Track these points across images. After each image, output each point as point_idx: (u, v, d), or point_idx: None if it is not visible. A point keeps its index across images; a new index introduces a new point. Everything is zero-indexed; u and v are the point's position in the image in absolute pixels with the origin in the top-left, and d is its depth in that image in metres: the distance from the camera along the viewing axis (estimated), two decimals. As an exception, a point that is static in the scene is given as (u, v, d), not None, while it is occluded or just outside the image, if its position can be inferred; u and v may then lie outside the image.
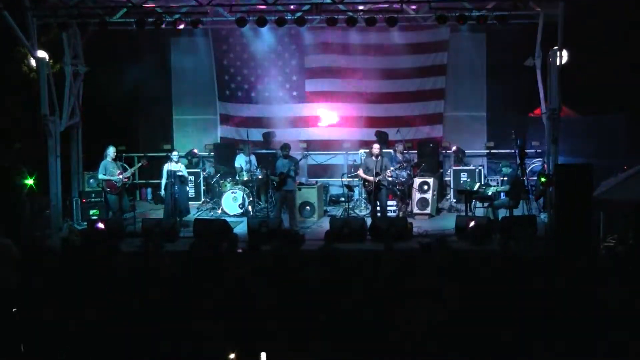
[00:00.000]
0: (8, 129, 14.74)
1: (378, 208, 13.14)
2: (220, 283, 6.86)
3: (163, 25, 13.32)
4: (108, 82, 15.07)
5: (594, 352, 5.77)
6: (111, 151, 13.42)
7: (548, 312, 6.15)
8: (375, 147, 13.08)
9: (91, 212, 14.12)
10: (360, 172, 13.30)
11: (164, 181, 13.44)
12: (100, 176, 13.36)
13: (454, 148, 15.82)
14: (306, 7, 13.25)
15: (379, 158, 12.96)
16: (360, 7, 13.23)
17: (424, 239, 10.82)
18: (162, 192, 13.64)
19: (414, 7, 13.46)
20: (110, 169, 13.31)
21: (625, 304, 6.22)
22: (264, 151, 15.96)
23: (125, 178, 13.51)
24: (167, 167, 13.42)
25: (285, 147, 13.44)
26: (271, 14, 13.23)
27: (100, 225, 12.32)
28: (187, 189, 14.35)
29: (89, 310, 6.36)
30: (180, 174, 13.40)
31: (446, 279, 6.73)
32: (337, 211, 14.95)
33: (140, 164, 13.95)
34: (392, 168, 13.32)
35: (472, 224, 11.60)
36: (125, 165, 14.47)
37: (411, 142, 15.75)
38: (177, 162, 13.49)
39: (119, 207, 13.45)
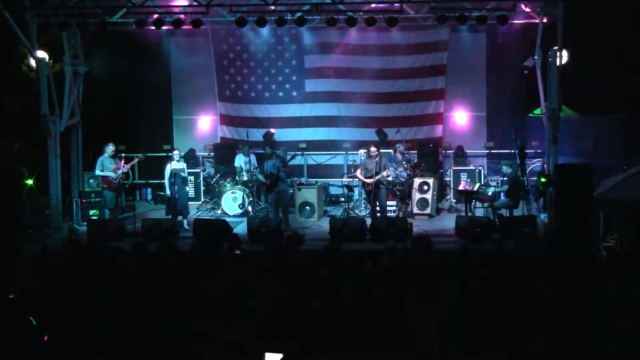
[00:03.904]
0: (8, 129, 14.73)
1: (378, 208, 13.13)
2: (220, 283, 6.85)
3: (163, 26, 13.34)
4: (108, 82, 15.07)
5: (594, 350, 5.76)
6: (109, 148, 13.42)
7: (547, 312, 6.14)
8: (373, 150, 12.93)
9: (91, 212, 14.14)
10: (358, 172, 13.18)
11: (167, 181, 13.41)
12: (97, 172, 13.35)
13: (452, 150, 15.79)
14: (306, 7, 13.27)
15: (377, 159, 12.90)
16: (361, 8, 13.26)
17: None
18: (167, 193, 13.52)
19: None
20: (107, 165, 13.30)
21: (625, 303, 6.22)
22: (263, 151, 15.96)
23: (122, 174, 13.47)
24: (169, 167, 13.42)
25: (272, 146, 13.46)
26: (271, 14, 13.24)
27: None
28: (187, 189, 14.22)
29: (89, 309, 6.36)
30: (183, 174, 13.40)
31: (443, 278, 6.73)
32: (337, 211, 14.95)
33: (137, 159, 13.92)
34: (390, 168, 13.27)
35: (472, 224, 11.59)
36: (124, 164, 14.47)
37: (411, 142, 15.75)
38: (178, 161, 13.49)
39: (115, 205, 13.43)
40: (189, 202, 14.30)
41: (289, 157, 14.84)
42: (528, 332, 5.87)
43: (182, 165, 13.56)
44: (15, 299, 6.73)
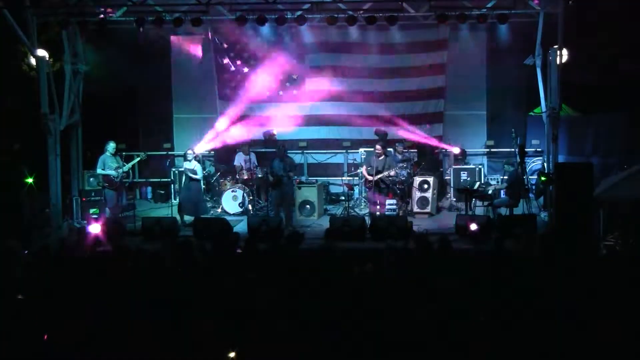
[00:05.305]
0: (8, 128, 14.73)
1: (378, 207, 13.14)
2: (221, 282, 6.87)
3: (163, 24, 13.34)
4: (108, 81, 15.05)
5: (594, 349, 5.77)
6: (111, 146, 13.44)
7: (548, 311, 6.14)
8: (378, 148, 13.07)
9: (91, 210, 14.12)
10: (364, 169, 13.32)
11: (183, 179, 13.54)
12: (99, 171, 13.38)
13: (457, 150, 15.68)
14: (306, 6, 13.28)
15: (382, 157, 12.97)
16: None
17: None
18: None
19: None
20: (109, 163, 13.32)
21: (626, 303, 6.22)
22: (264, 150, 15.97)
23: (124, 172, 13.50)
24: (184, 165, 13.54)
25: (279, 148, 13.51)
26: (271, 13, 13.23)
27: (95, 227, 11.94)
28: (199, 188, 14.04)
29: (86, 308, 6.37)
30: (192, 174, 13.37)
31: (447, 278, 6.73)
32: (337, 210, 14.96)
33: (138, 158, 13.92)
34: (395, 168, 13.27)
35: (472, 224, 11.57)
36: (124, 163, 14.47)
37: (411, 141, 15.73)
38: (189, 160, 13.48)
39: (116, 203, 13.46)
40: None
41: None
42: (527, 331, 5.87)
43: (193, 165, 13.52)
44: (14, 299, 6.73)
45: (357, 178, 14.97)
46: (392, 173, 13.04)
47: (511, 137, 13.75)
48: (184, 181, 13.50)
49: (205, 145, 16.34)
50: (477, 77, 16.25)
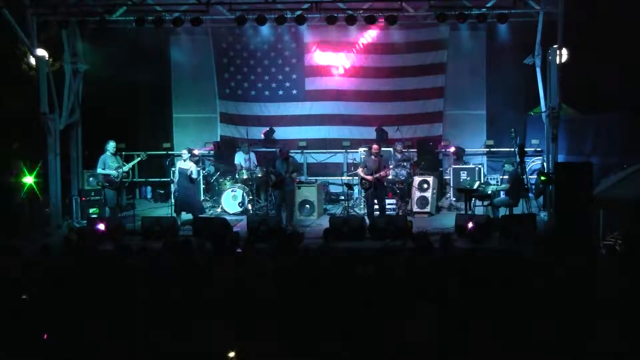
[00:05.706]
0: (8, 127, 14.72)
1: (376, 207, 13.14)
2: (220, 282, 6.87)
3: (163, 24, 13.34)
4: (108, 80, 15.04)
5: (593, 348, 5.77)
6: (111, 146, 13.42)
7: (548, 311, 6.15)
8: (375, 148, 13.10)
9: (91, 210, 14.11)
10: (360, 170, 13.32)
11: (176, 179, 13.53)
12: (99, 170, 13.35)
13: (452, 149, 15.71)
14: (306, 6, 13.28)
15: (378, 157, 12.99)
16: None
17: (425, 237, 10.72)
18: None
19: None
20: (109, 163, 13.30)
21: (625, 303, 6.23)
22: (263, 149, 15.96)
23: (124, 172, 13.48)
24: (178, 165, 13.51)
25: (281, 151, 13.52)
26: (271, 12, 13.24)
27: (101, 226, 12.17)
28: (194, 187, 13.86)
29: (88, 306, 6.37)
30: (189, 174, 13.33)
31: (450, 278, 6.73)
32: (337, 209, 14.95)
33: (139, 158, 13.89)
34: (391, 167, 13.28)
35: (471, 224, 11.57)
36: (124, 162, 14.45)
37: (410, 141, 15.73)
38: (185, 160, 13.44)
39: (116, 203, 13.44)
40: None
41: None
42: (527, 331, 5.88)
43: (189, 165, 13.48)
44: (15, 299, 6.74)
45: (357, 178, 14.95)
46: (386, 173, 13.05)
47: (511, 137, 13.74)
48: (178, 180, 13.40)
49: (204, 144, 16.30)
50: (476, 77, 16.26)
